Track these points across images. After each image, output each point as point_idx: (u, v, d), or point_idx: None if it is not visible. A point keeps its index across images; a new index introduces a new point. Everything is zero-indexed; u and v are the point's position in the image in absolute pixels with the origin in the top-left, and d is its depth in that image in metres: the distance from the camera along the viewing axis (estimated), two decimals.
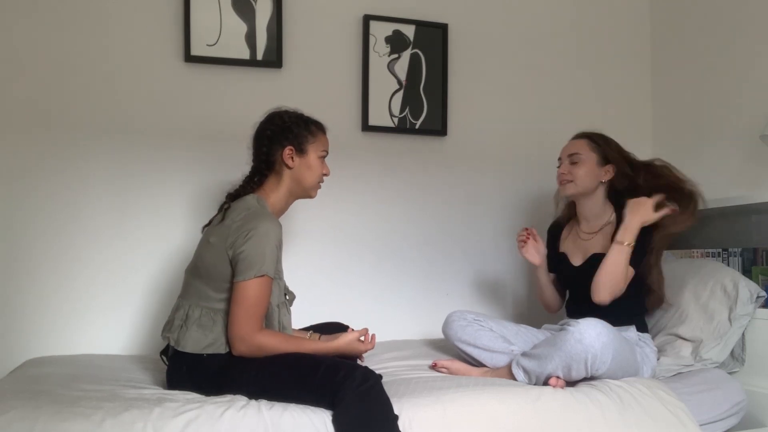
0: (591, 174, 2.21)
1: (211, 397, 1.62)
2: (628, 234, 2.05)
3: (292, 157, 1.90)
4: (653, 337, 2.20)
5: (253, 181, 1.91)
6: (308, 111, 1.99)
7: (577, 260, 2.25)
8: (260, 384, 1.65)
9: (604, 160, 2.21)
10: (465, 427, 1.64)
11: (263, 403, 1.57)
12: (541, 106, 2.94)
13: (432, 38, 2.77)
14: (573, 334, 1.82)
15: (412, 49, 2.75)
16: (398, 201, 2.74)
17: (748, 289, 2.17)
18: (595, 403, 1.76)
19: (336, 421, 1.54)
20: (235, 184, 1.95)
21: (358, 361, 1.91)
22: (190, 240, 2.37)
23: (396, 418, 1.57)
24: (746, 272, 2.36)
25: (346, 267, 2.66)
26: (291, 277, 2.06)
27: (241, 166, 1.98)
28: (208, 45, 2.50)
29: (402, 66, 2.74)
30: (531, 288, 2.81)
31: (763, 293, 2.19)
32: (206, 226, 1.94)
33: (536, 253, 2.35)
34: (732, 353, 2.19)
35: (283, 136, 1.90)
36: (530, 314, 2.80)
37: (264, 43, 2.56)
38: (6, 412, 1.45)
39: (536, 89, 2.94)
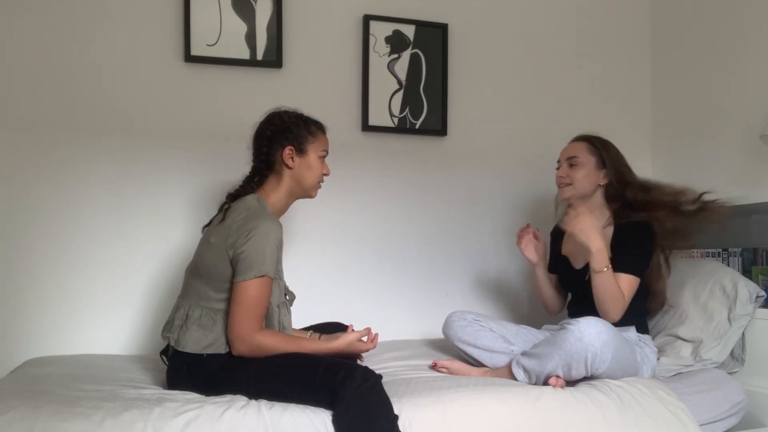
0: (589, 177, 2.21)
1: (211, 397, 1.62)
2: (600, 258, 1.99)
3: (292, 157, 1.90)
4: (653, 338, 2.20)
5: (254, 181, 1.92)
6: (308, 111, 1.99)
7: (578, 263, 2.25)
8: (260, 384, 1.65)
9: (603, 163, 2.21)
10: (465, 427, 1.64)
11: (263, 403, 1.57)
12: (541, 105, 2.94)
13: (432, 38, 2.77)
14: (573, 333, 1.82)
15: (412, 49, 2.75)
16: (398, 201, 2.74)
17: (747, 289, 2.17)
18: (595, 403, 1.76)
19: (336, 421, 1.54)
20: (235, 184, 1.95)
21: (358, 361, 1.91)
22: (190, 240, 2.37)
23: (396, 418, 1.57)
24: (746, 272, 2.36)
25: (346, 267, 2.66)
26: (291, 277, 2.06)
27: (241, 166, 1.98)
28: (208, 45, 2.50)
29: (402, 66, 2.74)
30: (531, 288, 2.81)
31: (763, 293, 2.19)
32: (206, 226, 1.94)
33: (534, 250, 2.35)
34: (732, 353, 2.19)
35: (283, 136, 1.90)
36: (530, 314, 2.80)
37: (264, 43, 2.56)
38: (6, 412, 1.45)
39: (536, 89, 2.94)
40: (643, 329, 2.15)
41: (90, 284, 2.37)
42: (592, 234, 2.01)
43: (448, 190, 2.81)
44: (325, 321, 2.20)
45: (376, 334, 1.87)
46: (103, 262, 2.39)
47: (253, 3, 2.56)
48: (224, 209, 1.88)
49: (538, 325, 2.33)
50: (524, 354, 1.96)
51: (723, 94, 2.68)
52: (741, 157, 2.59)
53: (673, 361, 2.15)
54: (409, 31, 2.74)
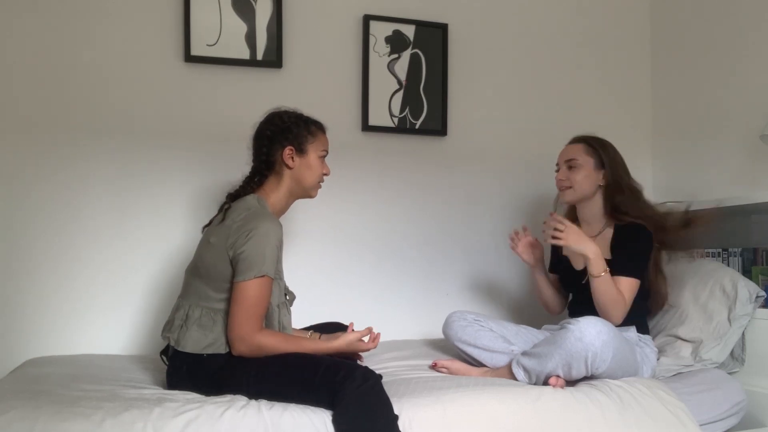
0: (589, 179, 2.20)
1: (211, 397, 1.62)
2: (598, 263, 2.01)
3: (292, 157, 1.90)
4: (653, 338, 2.20)
5: (254, 182, 1.92)
6: (308, 111, 1.99)
7: (578, 264, 2.24)
8: (260, 384, 1.65)
9: (602, 163, 2.21)
10: (465, 427, 1.64)
11: (263, 403, 1.57)
12: (541, 106, 2.94)
13: (432, 38, 2.77)
14: (573, 333, 1.82)
15: (412, 49, 2.75)
16: (398, 201, 2.74)
17: (747, 289, 2.17)
18: (595, 403, 1.76)
19: (336, 421, 1.54)
20: (235, 184, 1.95)
21: (358, 362, 1.91)
22: (190, 240, 2.37)
23: (396, 418, 1.57)
24: (746, 272, 2.36)
25: (346, 267, 2.66)
26: (291, 277, 2.06)
27: (241, 166, 1.98)
28: (208, 45, 2.50)
29: (402, 66, 2.74)
30: (531, 288, 2.80)
31: (763, 293, 2.19)
32: (206, 226, 1.94)
33: (531, 253, 2.34)
34: (732, 353, 2.19)
35: (282, 137, 1.90)
36: (530, 314, 2.80)
37: (264, 43, 2.56)
38: (6, 412, 1.45)
39: (536, 89, 2.94)
40: (643, 329, 2.15)
41: (90, 284, 2.37)
42: (584, 242, 2.03)
43: (448, 190, 2.81)
44: (325, 321, 2.20)
45: (378, 334, 1.87)
46: (103, 262, 2.39)
47: (253, 3, 2.56)
48: (224, 209, 1.88)
49: (538, 325, 2.32)
50: (524, 354, 1.96)
51: (723, 94, 2.68)
52: (741, 157, 2.59)
53: (673, 361, 2.15)
54: (409, 31, 2.74)
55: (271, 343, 1.71)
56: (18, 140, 2.33)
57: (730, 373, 2.15)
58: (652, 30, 3.09)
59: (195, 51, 2.48)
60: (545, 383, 1.87)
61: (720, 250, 2.49)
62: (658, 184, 2.99)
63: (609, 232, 2.19)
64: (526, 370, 1.92)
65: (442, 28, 2.78)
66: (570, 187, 2.21)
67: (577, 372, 1.84)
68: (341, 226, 2.66)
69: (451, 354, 2.23)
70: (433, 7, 2.79)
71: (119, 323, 2.40)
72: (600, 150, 2.21)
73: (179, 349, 1.75)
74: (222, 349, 1.74)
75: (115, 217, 2.41)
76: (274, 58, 2.57)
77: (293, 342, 1.75)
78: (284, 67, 2.60)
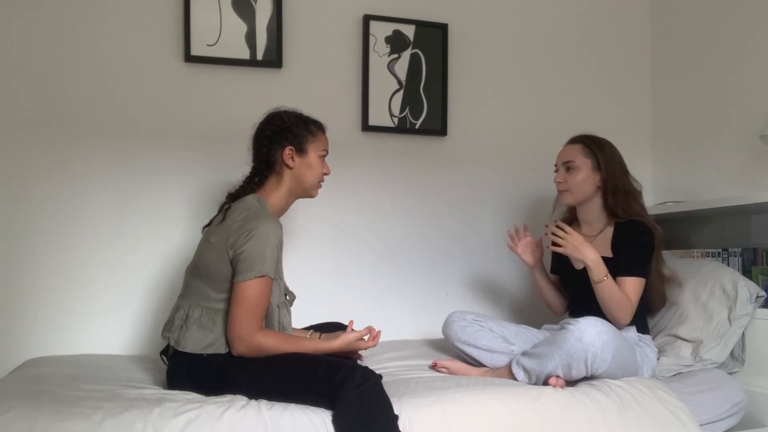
0: (587, 180, 2.20)
1: (211, 397, 1.62)
2: (598, 269, 2.02)
3: (293, 157, 1.90)
4: (653, 338, 2.20)
5: (254, 182, 1.92)
6: (308, 111, 1.99)
7: (578, 264, 2.24)
8: (260, 384, 1.65)
9: (599, 164, 2.20)
10: (465, 427, 1.64)
11: (263, 403, 1.57)
12: (541, 106, 2.94)
13: (432, 38, 2.77)
14: (573, 333, 1.82)
15: (412, 49, 2.75)
16: (398, 201, 2.74)
17: (747, 289, 2.17)
18: (595, 403, 1.76)
19: (336, 421, 1.54)
20: (236, 184, 1.95)
21: (358, 361, 1.91)
22: (190, 240, 2.37)
23: (396, 418, 1.57)
24: (746, 272, 2.36)
25: (346, 267, 2.66)
26: (291, 277, 2.06)
27: (241, 166, 1.98)
28: (208, 45, 2.50)
29: (402, 66, 2.74)
30: (531, 288, 2.81)
31: (763, 293, 2.19)
32: (206, 226, 1.94)
33: (531, 254, 2.34)
34: (732, 353, 2.19)
35: (282, 137, 1.90)
36: (530, 314, 2.80)
37: (264, 43, 2.56)
38: (6, 412, 1.45)
39: (536, 89, 2.94)
40: (643, 329, 2.15)
41: (90, 284, 2.38)
42: (583, 249, 2.03)
43: (448, 190, 2.81)
44: (325, 321, 2.20)
45: (378, 332, 1.87)
46: (103, 262, 2.39)
47: (253, 3, 2.56)
48: (224, 209, 1.88)
49: (538, 325, 2.32)
50: (524, 354, 1.96)
51: (723, 94, 2.68)
52: (741, 157, 2.59)
53: (673, 361, 2.14)
54: (409, 31, 2.74)
55: (271, 343, 1.71)
56: (18, 140, 2.33)
57: (730, 373, 2.15)
58: (652, 30, 3.09)
59: (195, 51, 2.48)
60: (545, 383, 1.87)
61: (720, 250, 2.49)
62: (658, 184, 2.99)
63: (609, 231, 2.19)
64: (526, 370, 1.92)
65: (442, 28, 2.78)
66: (569, 190, 2.21)
67: (577, 372, 1.84)
68: (341, 226, 2.66)
69: (451, 354, 2.23)
70: (433, 7, 2.79)
71: (119, 323, 2.40)
72: (597, 151, 2.20)
73: (179, 349, 1.75)
74: (222, 349, 1.74)
75: (115, 217, 2.41)
76: (274, 58, 2.57)
77: (293, 342, 1.75)
78: (284, 67, 2.60)
